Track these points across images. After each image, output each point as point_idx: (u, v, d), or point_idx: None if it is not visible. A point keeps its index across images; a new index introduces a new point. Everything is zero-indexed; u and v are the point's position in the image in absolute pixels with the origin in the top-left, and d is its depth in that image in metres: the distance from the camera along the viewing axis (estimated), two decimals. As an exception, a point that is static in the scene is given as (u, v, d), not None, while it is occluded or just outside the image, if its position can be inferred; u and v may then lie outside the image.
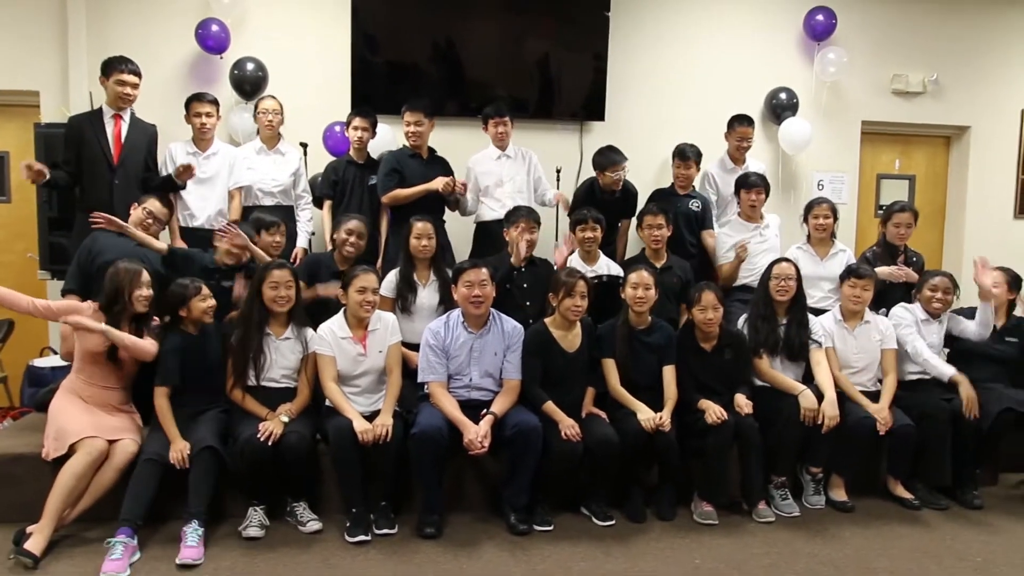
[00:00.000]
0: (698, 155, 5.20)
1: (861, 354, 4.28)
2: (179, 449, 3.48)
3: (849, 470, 4.15)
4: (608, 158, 4.90)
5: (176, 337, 3.74)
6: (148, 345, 3.67)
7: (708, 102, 6.00)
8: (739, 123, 5.42)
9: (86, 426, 3.52)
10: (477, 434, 3.61)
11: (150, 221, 4.28)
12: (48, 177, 4.34)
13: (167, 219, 4.46)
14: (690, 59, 6.10)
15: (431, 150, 4.99)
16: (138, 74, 4.56)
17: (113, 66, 4.53)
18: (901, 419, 4.10)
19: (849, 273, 4.36)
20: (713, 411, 3.87)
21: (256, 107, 5.08)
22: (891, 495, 4.20)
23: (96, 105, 5.16)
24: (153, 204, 4.31)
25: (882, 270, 4.69)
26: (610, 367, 4.02)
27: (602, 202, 4.87)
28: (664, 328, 4.12)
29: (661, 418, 3.79)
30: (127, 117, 4.61)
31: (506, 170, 5.00)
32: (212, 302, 3.79)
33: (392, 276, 4.33)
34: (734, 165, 5.45)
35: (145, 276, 3.67)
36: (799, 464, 4.18)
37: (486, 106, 5.08)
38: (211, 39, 5.41)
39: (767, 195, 4.96)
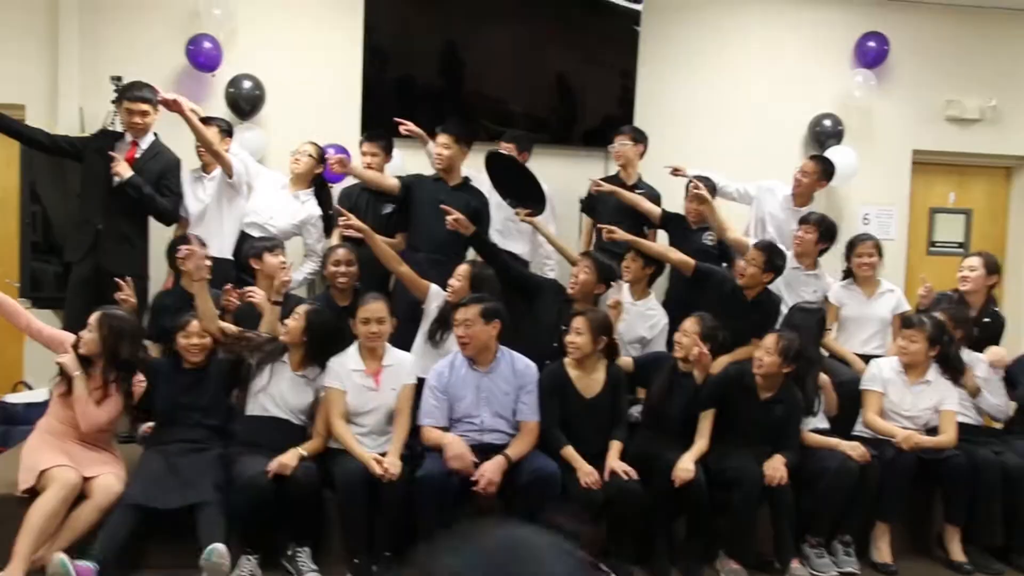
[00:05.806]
0: (713, 188, 5.20)
1: (914, 415, 4.40)
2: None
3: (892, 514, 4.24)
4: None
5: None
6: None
7: (745, 128, 6.10)
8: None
9: (59, 457, 3.65)
10: (463, 449, 3.75)
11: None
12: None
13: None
14: (727, 81, 6.19)
15: (466, 179, 5.01)
16: (145, 100, 4.68)
17: (123, 93, 4.76)
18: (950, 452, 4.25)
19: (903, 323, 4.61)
20: (774, 468, 3.99)
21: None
22: (940, 556, 4.29)
23: (86, 120, 5.43)
24: None
25: (994, 356, 4.68)
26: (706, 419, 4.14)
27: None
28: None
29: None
30: (144, 144, 4.79)
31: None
32: (196, 340, 4.01)
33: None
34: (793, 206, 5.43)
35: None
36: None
37: (503, 128, 5.29)
38: (202, 56, 5.59)
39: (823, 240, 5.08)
